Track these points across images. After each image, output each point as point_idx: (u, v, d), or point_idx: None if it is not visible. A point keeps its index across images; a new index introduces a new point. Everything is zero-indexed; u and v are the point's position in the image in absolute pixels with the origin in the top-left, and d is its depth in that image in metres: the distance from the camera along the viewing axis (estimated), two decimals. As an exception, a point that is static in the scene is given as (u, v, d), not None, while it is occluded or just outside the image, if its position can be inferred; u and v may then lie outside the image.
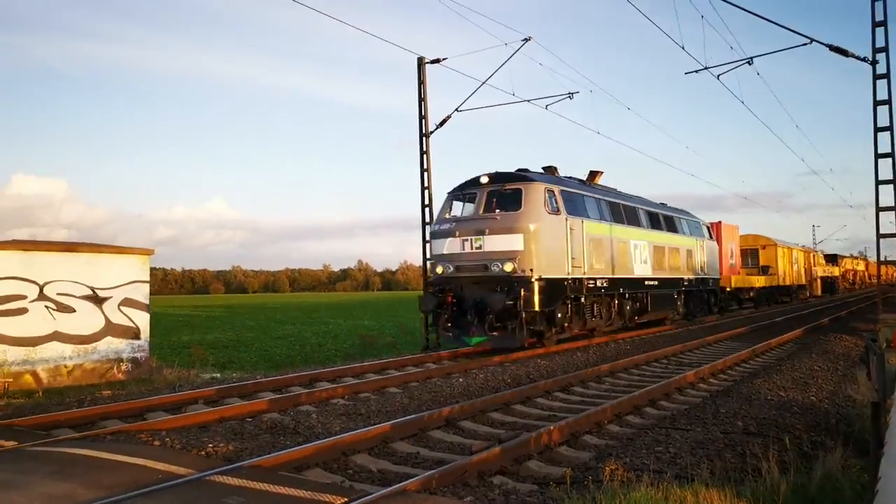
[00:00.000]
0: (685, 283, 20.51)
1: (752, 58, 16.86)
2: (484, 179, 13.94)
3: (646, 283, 17.58)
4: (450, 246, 13.66)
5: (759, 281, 31.38)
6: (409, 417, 7.34)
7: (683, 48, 15.84)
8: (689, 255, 20.83)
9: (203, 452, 6.07)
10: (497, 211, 13.51)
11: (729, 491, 4.57)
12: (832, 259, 56.81)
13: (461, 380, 10.30)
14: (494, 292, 12.63)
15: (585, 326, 14.99)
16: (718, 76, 16.90)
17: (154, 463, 5.37)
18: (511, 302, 12.43)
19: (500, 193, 13.63)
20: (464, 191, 14.40)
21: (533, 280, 12.71)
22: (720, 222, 26.85)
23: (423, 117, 18.52)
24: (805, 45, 15.86)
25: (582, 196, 15.29)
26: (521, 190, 13.45)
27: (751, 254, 34.26)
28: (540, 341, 13.95)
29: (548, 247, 13.19)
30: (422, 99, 18.47)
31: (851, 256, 73.99)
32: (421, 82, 18.47)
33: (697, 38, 16.39)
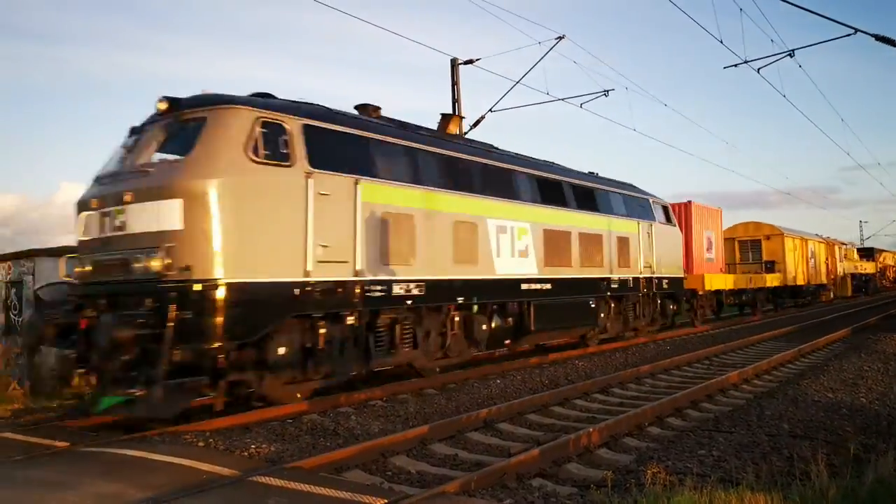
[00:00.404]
0: (613, 286, 14.17)
1: (793, 50, 16.41)
2: (161, 105, 7.88)
3: (524, 286, 11.51)
4: (85, 226, 7.85)
5: (754, 280, 24.39)
6: (447, 419, 7.36)
7: (722, 42, 15.57)
8: (622, 245, 14.61)
9: (246, 453, 6.19)
10: (158, 158, 7.80)
11: (776, 495, 4.46)
12: (867, 253, 49.48)
13: (499, 381, 10.28)
14: (119, 315, 6.80)
15: (369, 364, 9.07)
16: (759, 70, 16.50)
17: (199, 463, 5.50)
18: (149, 331, 6.61)
19: (178, 127, 7.81)
20: (140, 129, 8.22)
21: (199, 287, 6.85)
22: (690, 202, 20.91)
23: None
24: (849, 35, 15.34)
25: (364, 140, 9.01)
26: (204, 119, 7.59)
27: (751, 246, 27.94)
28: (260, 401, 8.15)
29: (249, 223, 7.33)
30: (455, 100, 18.52)
31: None
32: (455, 83, 18.53)
33: (736, 31, 16.19)
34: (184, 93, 7.81)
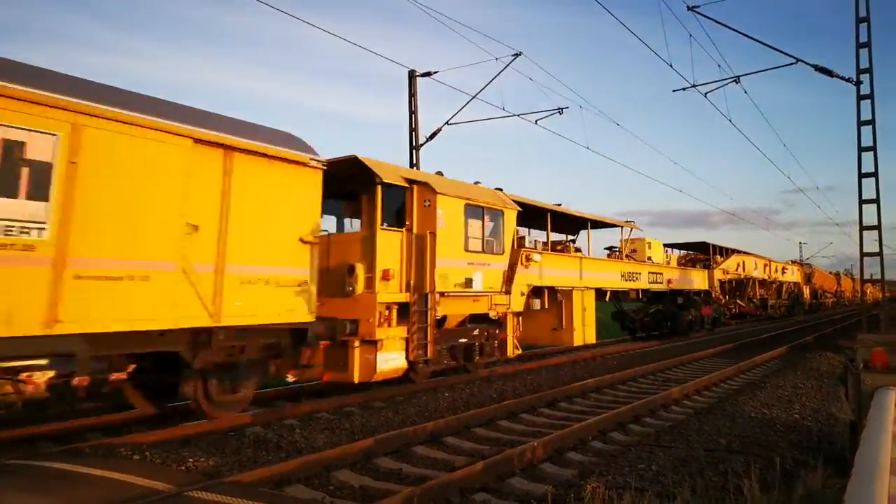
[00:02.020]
0: None
1: (738, 76, 17.12)
2: None
3: None
4: None
5: None
6: (392, 432, 7.31)
7: (672, 66, 16.04)
8: None
9: (183, 467, 6.01)
10: None
11: (709, 510, 4.58)
12: (699, 253, 28.04)
13: (447, 395, 10.27)
14: None
15: None
16: (706, 94, 17.14)
17: (133, 477, 5.31)
18: None
19: None
20: None
21: None
22: None
23: (413, 130, 18.63)
24: (791, 64, 16.14)
25: None
26: None
27: None
28: None
29: None
30: (412, 112, 18.59)
31: (793, 263, 43.29)
32: (412, 95, 18.60)
33: (685, 56, 16.64)
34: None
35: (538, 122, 18.37)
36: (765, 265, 34.76)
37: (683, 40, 16.40)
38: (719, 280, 26.79)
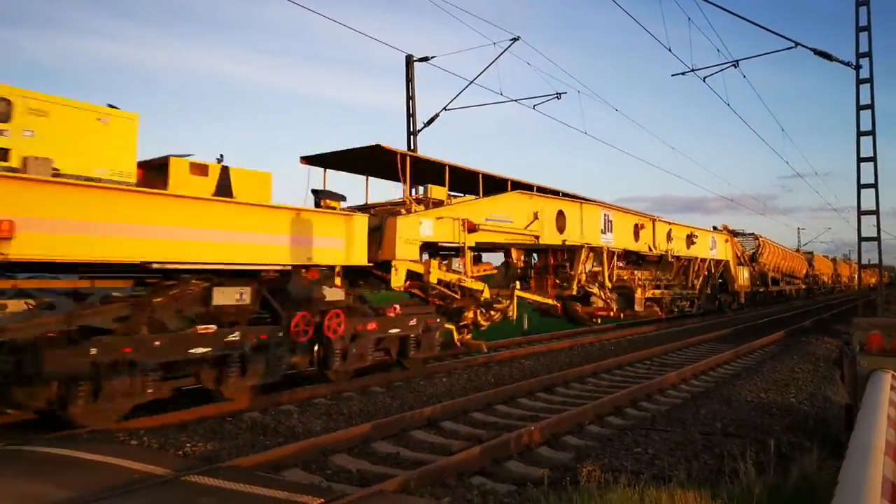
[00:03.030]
0: None
1: (737, 60, 17.00)
2: None
3: None
4: None
5: None
6: (390, 417, 7.33)
7: (670, 50, 15.94)
8: None
9: (181, 452, 6.02)
10: None
11: (705, 492, 4.60)
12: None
13: (444, 379, 10.30)
14: None
15: None
16: (704, 78, 17.02)
17: (130, 462, 5.32)
18: None
19: None
20: None
21: None
22: None
23: (410, 115, 18.52)
24: (790, 48, 16.01)
25: None
26: None
27: None
28: None
29: None
30: (410, 97, 18.46)
31: (719, 231, 25.90)
32: (409, 80, 18.46)
33: (684, 40, 16.50)
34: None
35: (536, 107, 18.25)
36: (638, 227, 18.51)
37: (682, 24, 16.25)
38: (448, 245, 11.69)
